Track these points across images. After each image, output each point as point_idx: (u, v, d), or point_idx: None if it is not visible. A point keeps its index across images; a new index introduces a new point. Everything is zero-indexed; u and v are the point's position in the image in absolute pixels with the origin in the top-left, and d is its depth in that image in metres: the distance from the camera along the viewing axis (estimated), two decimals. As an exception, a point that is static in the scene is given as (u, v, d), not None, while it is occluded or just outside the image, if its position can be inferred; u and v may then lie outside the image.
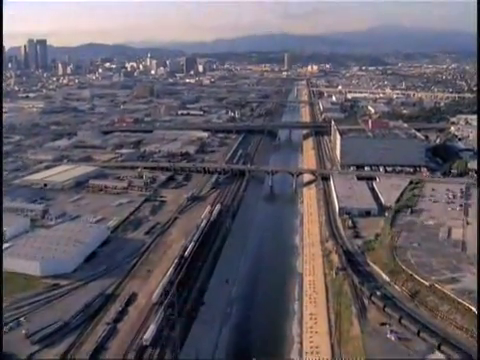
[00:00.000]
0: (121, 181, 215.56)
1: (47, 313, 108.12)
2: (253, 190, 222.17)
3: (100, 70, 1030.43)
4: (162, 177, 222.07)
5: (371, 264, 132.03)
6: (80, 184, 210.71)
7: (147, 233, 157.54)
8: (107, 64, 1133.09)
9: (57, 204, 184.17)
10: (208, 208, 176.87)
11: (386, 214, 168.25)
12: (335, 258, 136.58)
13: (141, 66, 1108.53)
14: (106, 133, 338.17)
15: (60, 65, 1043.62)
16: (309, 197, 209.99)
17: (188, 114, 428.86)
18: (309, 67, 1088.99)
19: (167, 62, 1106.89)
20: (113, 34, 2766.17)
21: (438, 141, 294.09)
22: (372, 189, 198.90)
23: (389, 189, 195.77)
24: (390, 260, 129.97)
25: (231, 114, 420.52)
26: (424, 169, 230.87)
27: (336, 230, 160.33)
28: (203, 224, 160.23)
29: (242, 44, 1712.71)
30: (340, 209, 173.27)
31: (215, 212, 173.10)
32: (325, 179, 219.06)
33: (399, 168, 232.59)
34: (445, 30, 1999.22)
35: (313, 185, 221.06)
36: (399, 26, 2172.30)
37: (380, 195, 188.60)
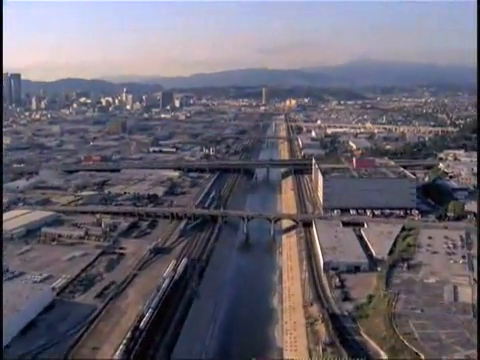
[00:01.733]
0: (78, 229, 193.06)
1: None
2: (226, 238, 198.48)
3: (75, 105, 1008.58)
4: (124, 224, 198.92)
5: (365, 337, 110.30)
6: (32, 232, 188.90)
7: (99, 295, 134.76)
8: (83, 99, 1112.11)
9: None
10: (173, 263, 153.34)
11: (379, 269, 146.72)
12: (321, 328, 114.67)
13: (117, 101, 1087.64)
14: (70, 172, 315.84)
15: (34, 99, 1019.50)
16: (289, 247, 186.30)
17: (160, 151, 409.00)
18: (287, 102, 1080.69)
19: (143, 97, 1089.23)
20: (91, 69, 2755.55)
21: (427, 179, 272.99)
22: (360, 237, 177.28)
23: (379, 237, 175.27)
24: (389, 332, 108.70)
25: (205, 151, 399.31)
26: (416, 212, 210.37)
27: (321, 290, 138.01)
28: (165, 284, 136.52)
29: (220, 79, 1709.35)
30: (325, 264, 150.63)
31: (180, 268, 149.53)
32: (307, 225, 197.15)
33: (388, 211, 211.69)
34: (421, 64, 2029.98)
35: (293, 232, 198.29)
36: (376, 60, 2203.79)
37: (370, 245, 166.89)
